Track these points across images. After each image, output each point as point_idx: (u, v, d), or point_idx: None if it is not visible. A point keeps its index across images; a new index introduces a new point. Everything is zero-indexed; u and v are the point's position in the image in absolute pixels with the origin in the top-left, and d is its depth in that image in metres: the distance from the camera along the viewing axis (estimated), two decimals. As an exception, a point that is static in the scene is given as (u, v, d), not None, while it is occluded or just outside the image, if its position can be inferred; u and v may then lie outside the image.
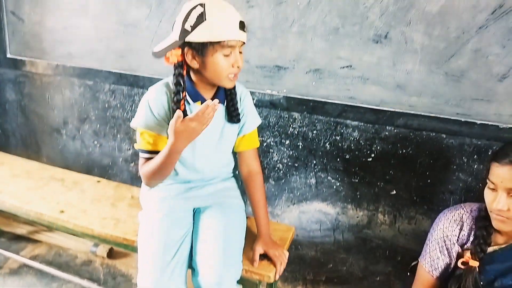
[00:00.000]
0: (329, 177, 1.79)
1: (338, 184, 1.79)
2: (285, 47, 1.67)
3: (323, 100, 1.68)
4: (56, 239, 2.28)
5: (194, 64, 1.18)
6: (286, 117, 1.78)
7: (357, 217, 1.80)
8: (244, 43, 1.20)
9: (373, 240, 1.81)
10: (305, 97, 1.71)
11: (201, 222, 1.33)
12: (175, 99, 1.20)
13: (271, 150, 1.86)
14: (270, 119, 1.81)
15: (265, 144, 1.85)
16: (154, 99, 1.24)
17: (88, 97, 2.15)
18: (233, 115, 1.31)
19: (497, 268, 1.17)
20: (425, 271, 1.27)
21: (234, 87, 1.32)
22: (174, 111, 1.21)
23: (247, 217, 1.51)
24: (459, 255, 1.21)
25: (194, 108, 1.27)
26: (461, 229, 1.21)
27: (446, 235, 1.23)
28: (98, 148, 2.23)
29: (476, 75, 1.45)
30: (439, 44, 1.46)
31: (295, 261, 1.98)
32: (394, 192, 1.70)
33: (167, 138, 1.26)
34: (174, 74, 1.20)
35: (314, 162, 1.80)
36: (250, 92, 1.76)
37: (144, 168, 1.25)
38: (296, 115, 1.76)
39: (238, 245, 1.29)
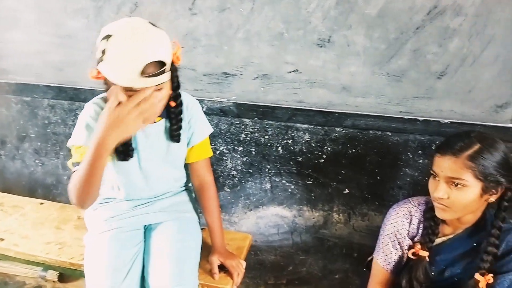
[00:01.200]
0: (283, 181, 1.80)
1: (293, 187, 1.80)
2: (232, 53, 1.66)
3: (272, 105, 1.68)
4: (1, 267, 2.12)
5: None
6: (237, 124, 1.76)
7: (313, 218, 1.82)
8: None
9: (330, 240, 1.83)
10: (255, 103, 1.70)
11: (152, 240, 1.28)
12: None
13: (224, 157, 1.83)
14: (222, 127, 1.78)
15: (218, 152, 1.83)
16: (91, 116, 1.17)
17: (26, 114, 2.02)
18: (173, 134, 1.24)
19: (446, 258, 1.23)
20: (380, 266, 1.30)
21: (179, 98, 1.25)
22: None
23: (202, 229, 1.48)
24: (411, 248, 1.25)
25: None
26: (410, 223, 1.26)
27: (397, 229, 1.26)
28: (40, 168, 2.09)
29: (416, 74, 1.51)
30: (380, 45, 1.51)
31: (255, 267, 1.97)
32: (347, 191, 1.74)
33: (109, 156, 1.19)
34: (105, 89, 1.14)
35: (268, 167, 1.80)
36: (198, 100, 1.73)
37: (71, 183, 1.09)
38: (247, 121, 1.75)
39: (192, 261, 1.26)
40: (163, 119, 1.26)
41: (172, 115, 1.23)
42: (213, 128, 1.77)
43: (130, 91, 1.01)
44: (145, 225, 1.36)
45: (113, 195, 1.32)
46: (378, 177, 1.68)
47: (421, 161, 1.61)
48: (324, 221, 1.81)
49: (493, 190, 1.11)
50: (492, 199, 1.13)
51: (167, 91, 1.11)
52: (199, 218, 1.44)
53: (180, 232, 1.30)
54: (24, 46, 1.91)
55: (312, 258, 1.89)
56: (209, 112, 1.75)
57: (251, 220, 1.90)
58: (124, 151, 1.18)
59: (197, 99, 1.72)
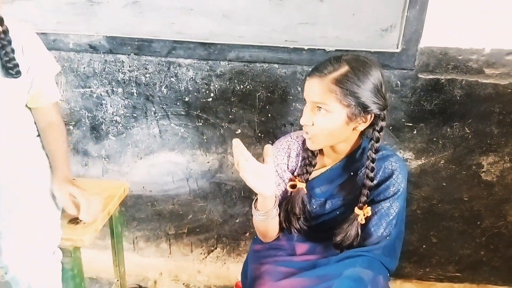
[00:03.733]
0: (172, 124, 1.65)
1: (183, 130, 1.65)
2: (93, -23, 1.42)
3: (149, 37, 1.49)
4: None
5: None
6: (113, 61, 1.56)
7: (208, 162, 1.71)
8: None
9: (227, 183, 1.74)
10: (129, 36, 1.49)
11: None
12: None
13: (103, 101, 1.63)
14: (95, 65, 1.57)
15: (95, 95, 1.62)
16: None
17: None
18: (8, 68, 1.05)
19: (325, 190, 1.18)
20: None
21: (7, 32, 1.05)
22: None
23: (73, 179, 1.31)
24: (291, 181, 1.19)
25: None
26: (289, 156, 1.20)
27: (277, 163, 1.21)
28: None
29: (298, -4, 1.37)
30: (258, -36, 1.34)
31: (154, 219, 1.85)
32: (239, 131, 1.63)
33: None
34: None
35: (154, 109, 1.63)
36: (63, 35, 1.51)
37: None
38: (123, 58, 1.54)
39: (52, 213, 1.12)
40: None
41: (0, 43, 1.04)
42: (85, 67, 1.57)
43: None
44: None
45: None
46: (269, 114, 1.57)
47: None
48: (220, 165, 1.71)
49: (362, 118, 1.03)
50: (361, 127, 1.06)
51: None
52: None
53: (36, 183, 1.13)
54: None
55: (211, 204, 1.80)
56: (77, 49, 1.52)
57: (142, 169, 1.75)
58: None
59: (61, 33, 1.51)
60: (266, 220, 1.14)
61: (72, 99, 1.62)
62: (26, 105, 1.19)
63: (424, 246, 1.74)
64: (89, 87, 1.60)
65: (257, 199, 1.12)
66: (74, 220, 1.16)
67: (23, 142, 1.21)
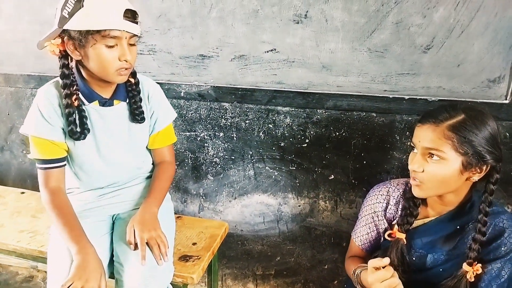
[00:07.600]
0: (267, 167, 1.72)
1: (277, 173, 1.72)
2: (207, 34, 1.58)
3: (251, 87, 1.61)
4: (-6, 258, 2.14)
5: (76, 55, 1.08)
6: (217, 108, 1.69)
7: (299, 206, 1.74)
8: (136, 35, 1.09)
9: (317, 228, 1.75)
10: (233, 86, 1.63)
11: (121, 229, 1.22)
12: (64, 94, 1.10)
13: (206, 144, 1.77)
14: (201, 112, 1.72)
15: (199, 138, 1.76)
16: (43, 101, 1.14)
17: (12, 104, 2.01)
18: (135, 114, 1.21)
19: (427, 242, 1.14)
20: (356, 246, 1.26)
21: (138, 84, 1.22)
22: (66, 107, 1.11)
23: (178, 217, 1.42)
24: (387, 230, 1.17)
25: (91, 110, 1.17)
26: (387, 203, 1.19)
27: (373, 210, 1.20)
28: (28, 158, 2.09)
29: (399, 48, 1.40)
30: (359, 19, 1.40)
31: (243, 257, 1.91)
32: (332, 176, 1.65)
33: (64, 143, 1.17)
34: (59, 67, 1.10)
35: (251, 153, 1.72)
36: (176, 85, 1.68)
37: (49, 205, 1.16)
38: (226, 105, 1.67)
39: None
40: (121, 102, 1.21)
41: (131, 94, 1.21)
42: (192, 113, 1.73)
43: (107, 38, 1.02)
44: (113, 215, 1.32)
45: (74, 184, 1.28)
46: (364, 162, 1.58)
47: (408, 143, 1.49)
48: (310, 209, 1.73)
49: (477, 168, 1.00)
50: (475, 178, 1.03)
51: (135, 54, 1.11)
52: (173, 206, 1.38)
53: None
54: (6, 35, 1.89)
55: (299, 248, 1.81)
56: (187, 97, 1.68)
57: (236, 209, 1.83)
58: (80, 131, 1.14)
59: (174, 83, 1.69)
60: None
61: (179, 141, 1.78)
62: (146, 147, 1.34)
63: (536, 312, 1.56)
64: (194, 131, 1.75)
65: (361, 270, 1.10)
66: (184, 258, 1.24)
67: (144, 181, 1.35)
